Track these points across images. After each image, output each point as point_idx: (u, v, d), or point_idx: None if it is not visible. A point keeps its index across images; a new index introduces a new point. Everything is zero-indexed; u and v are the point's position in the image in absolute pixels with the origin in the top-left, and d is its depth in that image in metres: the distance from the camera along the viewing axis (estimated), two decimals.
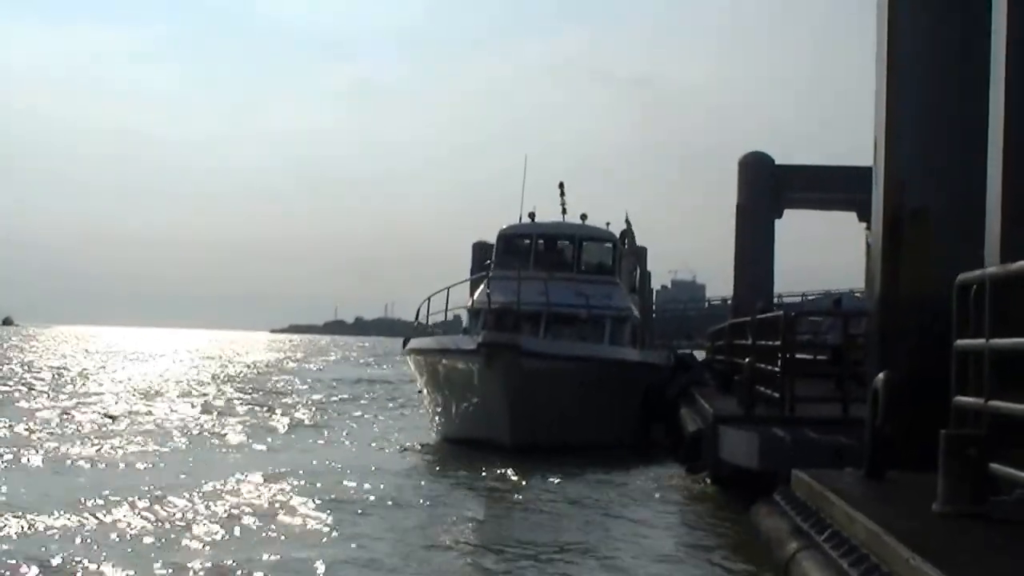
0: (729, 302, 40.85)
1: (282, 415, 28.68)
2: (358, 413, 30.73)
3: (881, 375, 9.57)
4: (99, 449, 19.37)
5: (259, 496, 14.27)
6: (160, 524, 12.13)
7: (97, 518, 12.27)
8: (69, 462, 17.63)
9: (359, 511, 13.41)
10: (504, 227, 26.03)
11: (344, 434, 24.40)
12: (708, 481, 15.32)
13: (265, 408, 31.11)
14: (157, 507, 13.01)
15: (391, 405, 34.32)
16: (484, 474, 17.04)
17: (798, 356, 16.39)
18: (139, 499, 13.38)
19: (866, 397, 10.04)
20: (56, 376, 44.73)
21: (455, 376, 20.85)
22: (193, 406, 30.78)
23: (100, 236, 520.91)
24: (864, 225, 30.50)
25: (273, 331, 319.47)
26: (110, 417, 26.00)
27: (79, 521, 12.03)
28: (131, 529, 11.78)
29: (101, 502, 13.11)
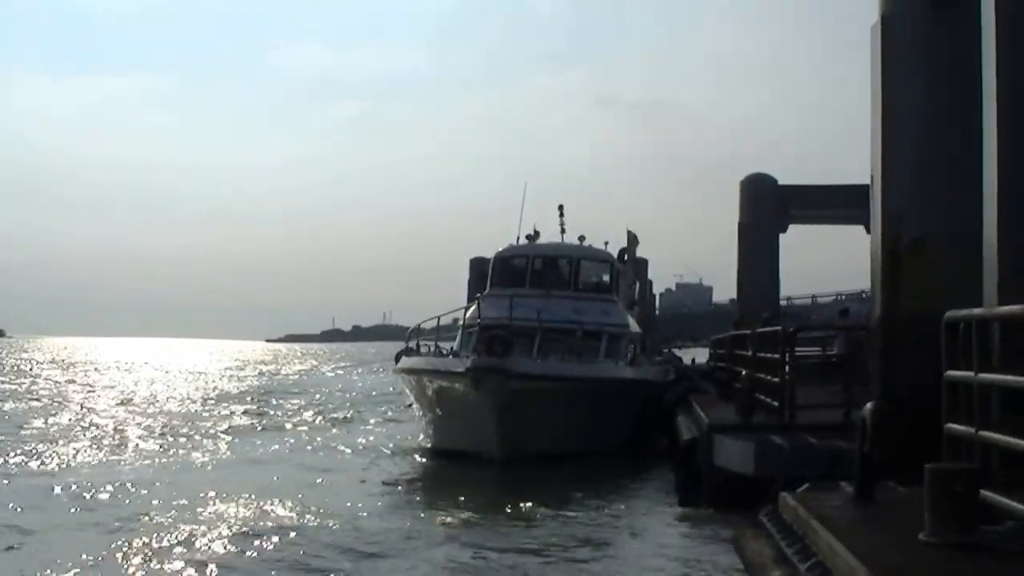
0: (735, 300, 40.63)
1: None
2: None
3: (870, 404, 9.57)
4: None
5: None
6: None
7: None
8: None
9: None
10: (500, 250, 26.03)
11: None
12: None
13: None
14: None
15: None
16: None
17: (801, 361, 16.32)
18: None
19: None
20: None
21: (445, 396, 21.10)
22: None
23: (97, 251, 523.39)
24: (871, 238, 30.23)
25: (269, 340, 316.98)
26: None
27: None
28: None
29: None
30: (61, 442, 21.90)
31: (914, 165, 11.58)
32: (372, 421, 30.89)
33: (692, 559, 12.10)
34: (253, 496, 15.46)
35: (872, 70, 12.03)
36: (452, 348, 24.04)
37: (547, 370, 20.73)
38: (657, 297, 45.38)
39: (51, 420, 27.51)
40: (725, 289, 74.38)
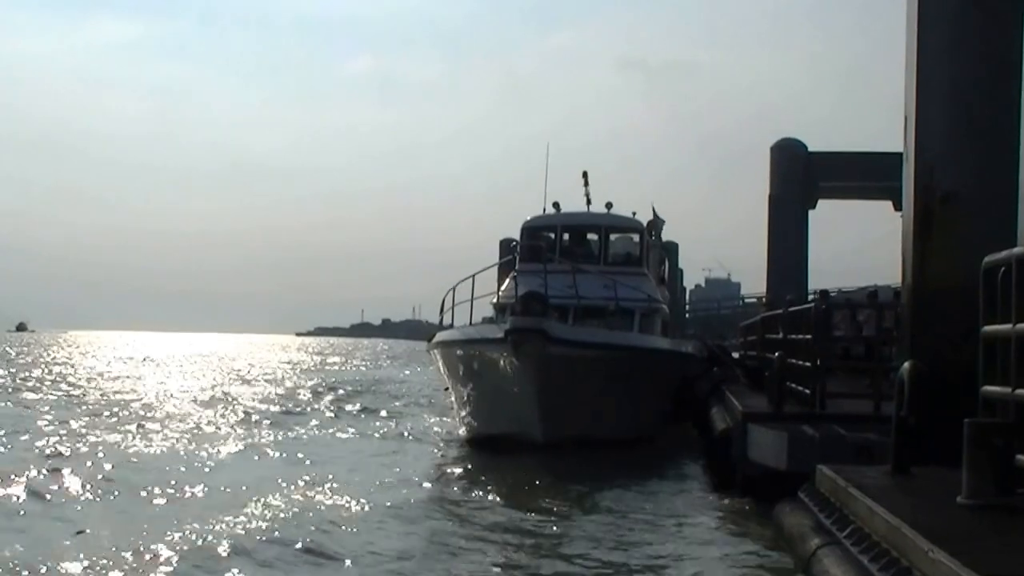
0: (763, 299, 40.35)
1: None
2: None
3: (906, 365, 9.31)
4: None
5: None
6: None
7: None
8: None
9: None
10: (528, 219, 25.55)
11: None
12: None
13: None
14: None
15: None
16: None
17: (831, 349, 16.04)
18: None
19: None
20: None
21: (482, 367, 20.17)
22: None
23: (117, 240, 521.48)
24: (899, 214, 29.93)
25: (298, 334, 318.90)
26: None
27: None
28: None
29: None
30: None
31: (947, 125, 11.15)
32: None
33: (734, 542, 11.85)
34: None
35: (908, 28, 11.64)
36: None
37: (589, 337, 19.82)
38: (687, 292, 44.94)
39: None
40: (753, 286, 73.95)
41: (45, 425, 23.78)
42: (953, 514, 7.33)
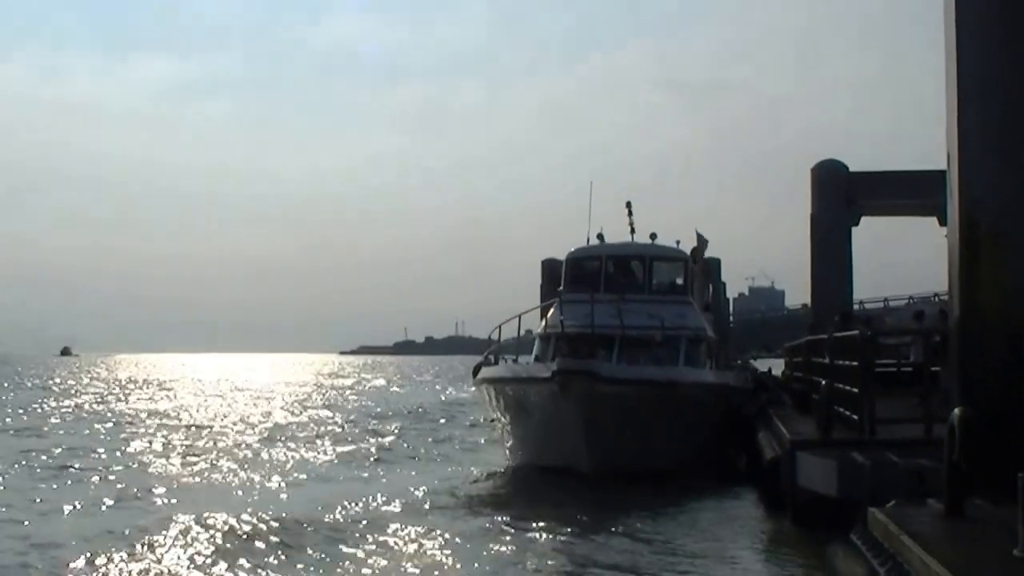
0: (807, 306, 40.03)
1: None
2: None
3: (957, 411, 9.29)
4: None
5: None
6: None
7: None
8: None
9: None
10: (572, 250, 25.60)
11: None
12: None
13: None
14: None
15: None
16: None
17: (879, 371, 15.92)
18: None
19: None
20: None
21: (530, 404, 20.58)
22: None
23: (158, 263, 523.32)
24: (945, 231, 29.55)
25: (342, 353, 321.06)
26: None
27: None
28: None
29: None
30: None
31: (990, 162, 11.01)
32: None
33: None
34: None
35: (947, 45, 11.46)
36: (534, 355, 23.74)
37: (635, 375, 20.22)
38: (730, 302, 44.73)
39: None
40: (798, 292, 73.35)
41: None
42: (1008, 567, 7.32)
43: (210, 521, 14.82)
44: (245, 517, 15.09)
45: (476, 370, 24.50)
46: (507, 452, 23.51)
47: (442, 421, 40.09)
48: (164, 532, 14.30)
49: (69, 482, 20.68)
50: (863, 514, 10.38)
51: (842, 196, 32.62)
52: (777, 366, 34.55)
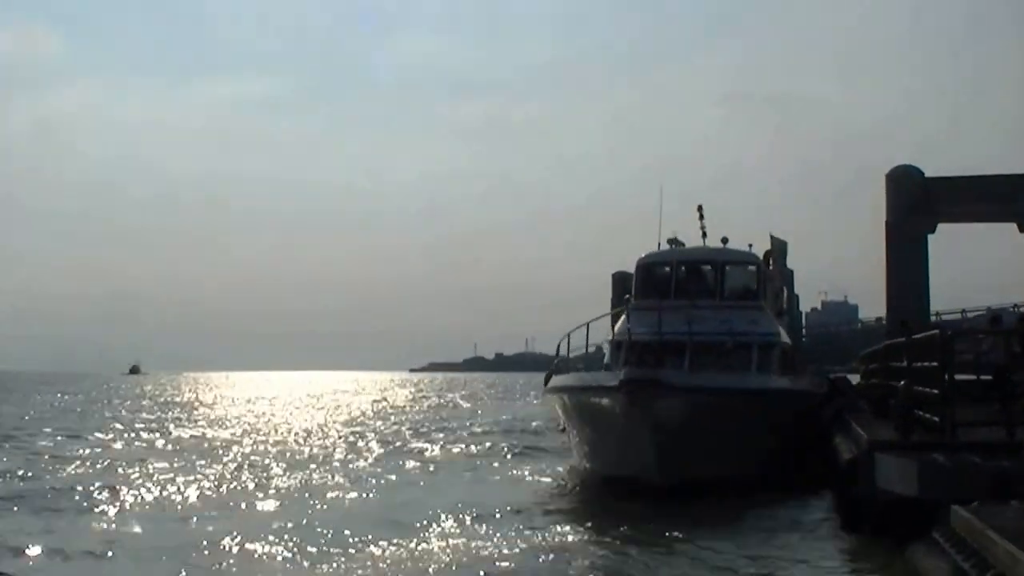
0: (883, 320, 39.32)
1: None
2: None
3: None
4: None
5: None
6: None
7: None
8: None
9: None
10: (643, 255, 25.35)
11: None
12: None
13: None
14: None
15: None
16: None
17: (958, 377, 15.54)
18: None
19: None
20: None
21: (598, 414, 20.29)
22: None
23: (224, 281, 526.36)
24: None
25: (412, 370, 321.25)
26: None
27: None
28: None
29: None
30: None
31: None
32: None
33: None
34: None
35: None
36: (604, 363, 23.50)
37: (704, 383, 19.72)
38: (803, 316, 44.14)
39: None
40: (871, 307, 72.33)
41: None
42: None
43: None
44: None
45: (547, 378, 24.34)
46: (576, 461, 23.35)
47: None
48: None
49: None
50: (944, 514, 10.11)
51: (918, 201, 32.07)
52: (852, 380, 33.93)
